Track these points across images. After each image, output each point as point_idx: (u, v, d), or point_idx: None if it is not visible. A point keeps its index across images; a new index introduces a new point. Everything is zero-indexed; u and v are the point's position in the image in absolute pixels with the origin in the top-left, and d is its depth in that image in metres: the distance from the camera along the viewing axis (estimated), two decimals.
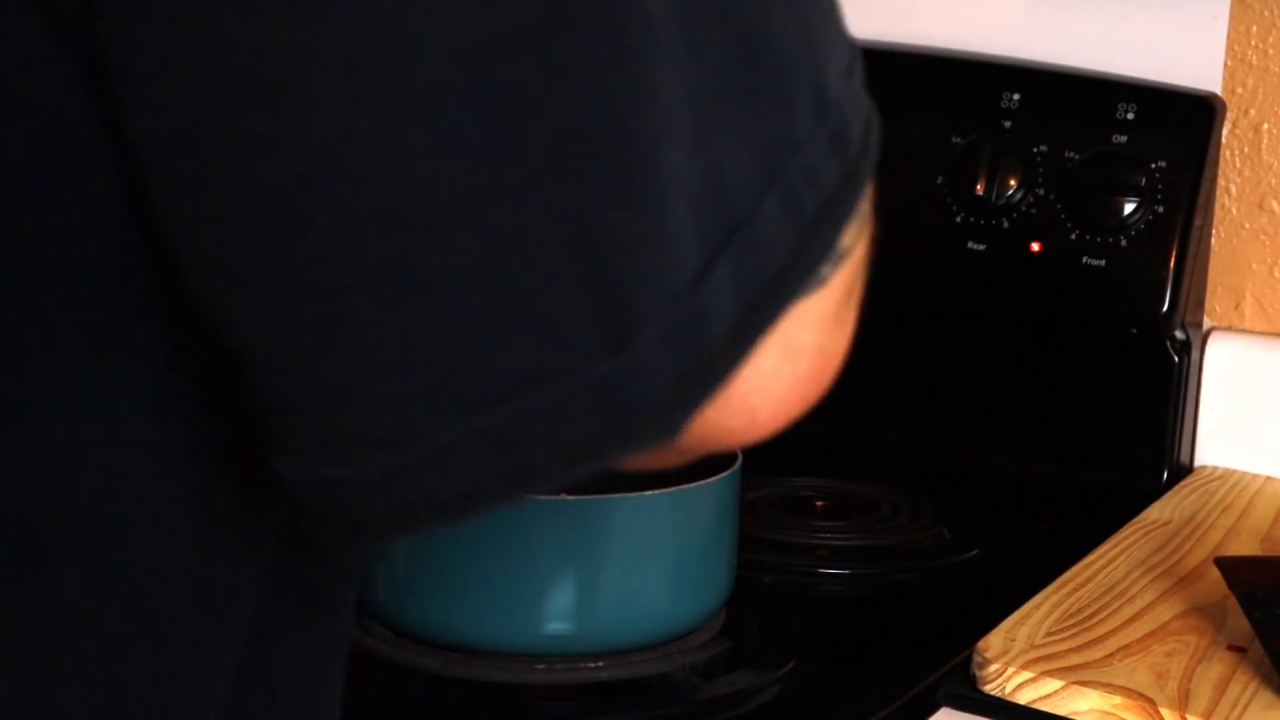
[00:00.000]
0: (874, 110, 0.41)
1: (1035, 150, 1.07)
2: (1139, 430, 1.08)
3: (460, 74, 0.34)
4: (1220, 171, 1.12)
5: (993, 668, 0.72)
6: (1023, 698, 0.71)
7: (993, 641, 0.75)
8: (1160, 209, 1.04)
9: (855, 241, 0.41)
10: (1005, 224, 1.08)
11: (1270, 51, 1.11)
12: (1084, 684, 0.70)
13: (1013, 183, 1.07)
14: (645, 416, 0.37)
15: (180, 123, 0.35)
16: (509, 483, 0.37)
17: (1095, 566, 0.87)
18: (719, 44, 0.37)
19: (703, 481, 0.74)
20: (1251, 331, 1.14)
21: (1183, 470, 1.10)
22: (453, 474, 0.37)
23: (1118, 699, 0.69)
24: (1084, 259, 1.05)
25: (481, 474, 0.37)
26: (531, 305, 0.36)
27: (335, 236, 0.35)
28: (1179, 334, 1.07)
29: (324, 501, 0.38)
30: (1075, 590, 0.83)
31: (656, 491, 0.72)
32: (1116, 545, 0.92)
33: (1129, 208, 1.04)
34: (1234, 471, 1.11)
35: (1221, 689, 0.71)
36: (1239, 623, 0.79)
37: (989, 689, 0.72)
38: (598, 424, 0.37)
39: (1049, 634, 0.76)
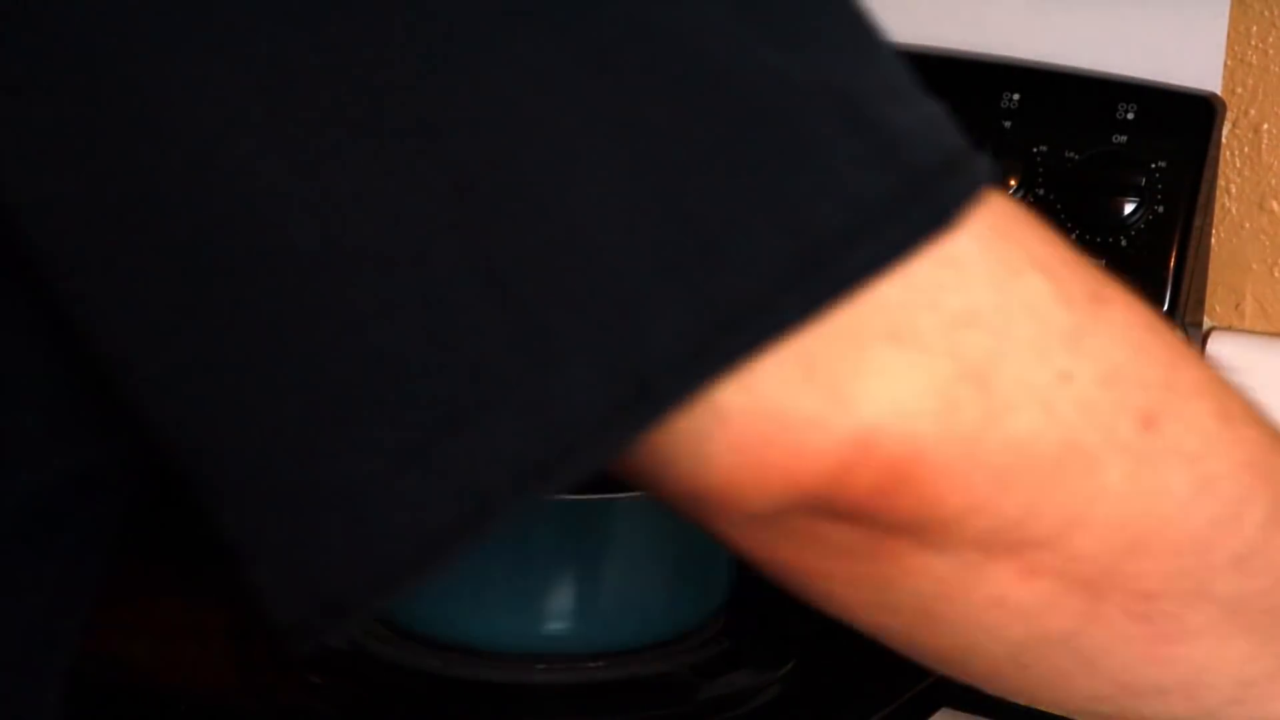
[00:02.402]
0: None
1: (1035, 150, 1.07)
2: None
3: None
4: (1220, 172, 1.12)
5: None
6: None
7: None
8: (1160, 209, 1.04)
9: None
10: None
11: (1270, 52, 1.11)
12: None
13: (1012, 183, 1.07)
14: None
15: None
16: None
17: None
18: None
19: None
20: (1252, 332, 1.14)
21: None
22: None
23: None
24: None
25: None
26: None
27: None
28: (1179, 334, 1.07)
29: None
30: None
31: None
32: None
33: (1129, 208, 1.04)
34: None
35: None
36: None
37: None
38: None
39: None
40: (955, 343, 0.37)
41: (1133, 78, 1.10)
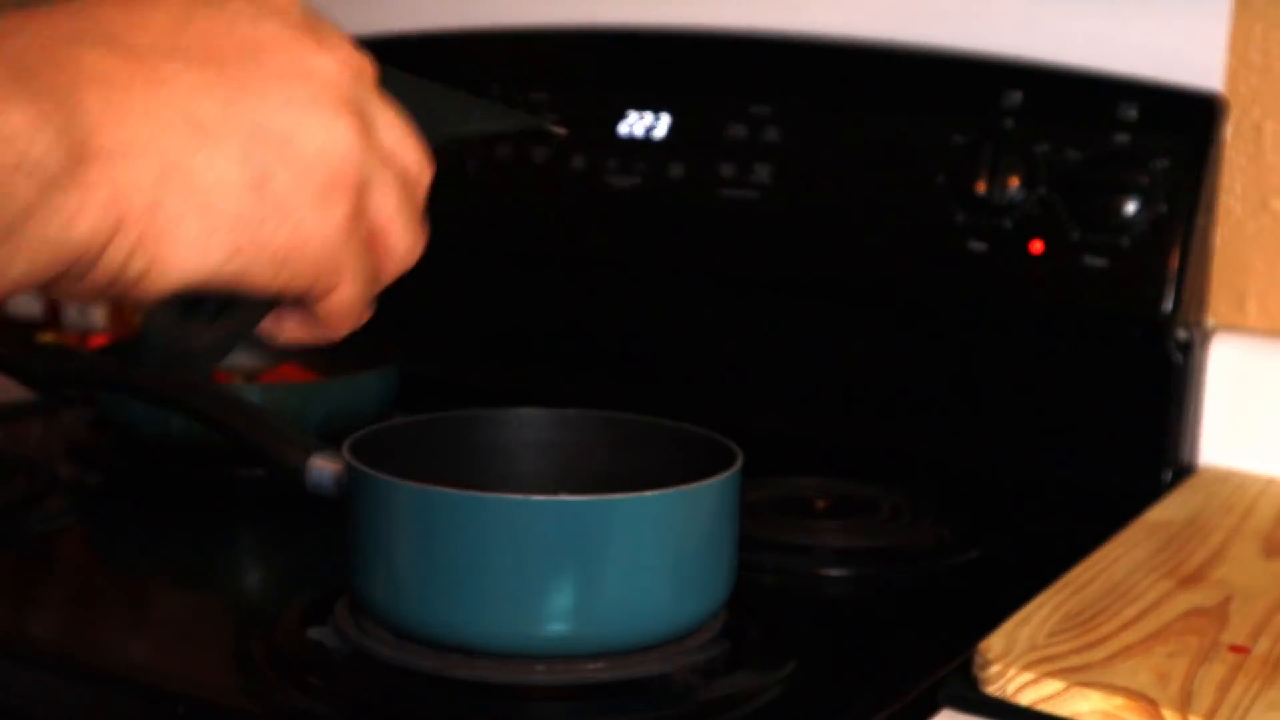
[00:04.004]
0: None
1: (1036, 150, 1.07)
2: (1141, 430, 1.08)
3: None
4: (1223, 171, 1.12)
5: (994, 669, 0.72)
6: (1024, 699, 0.71)
7: (994, 642, 0.75)
8: (1162, 209, 1.04)
9: None
10: (1006, 224, 1.07)
11: (1273, 50, 1.11)
12: (1086, 685, 0.70)
13: (1014, 182, 1.07)
14: None
15: None
16: None
17: (1097, 567, 0.87)
18: None
19: (703, 481, 0.74)
20: (1254, 331, 1.14)
21: (1185, 470, 1.10)
22: None
23: (1119, 700, 0.69)
24: (1085, 259, 1.05)
25: None
26: None
27: None
28: (1181, 334, 1.07)
29: None
30: (1077, 591, 0.83)
31: (656, 491, 0.72)
32: (1118, 546, 0.92)
33: (1131, 207, 1.04)
34: (1237, 472, 1.10)
35: (1224, 690, 0.71)
36: (1242, 623, 0.78)
37: (990, 690, 0.72)
38: None
39: (1050, 635, 0.76)
40: None
41: (1134, 77, 1.10)
